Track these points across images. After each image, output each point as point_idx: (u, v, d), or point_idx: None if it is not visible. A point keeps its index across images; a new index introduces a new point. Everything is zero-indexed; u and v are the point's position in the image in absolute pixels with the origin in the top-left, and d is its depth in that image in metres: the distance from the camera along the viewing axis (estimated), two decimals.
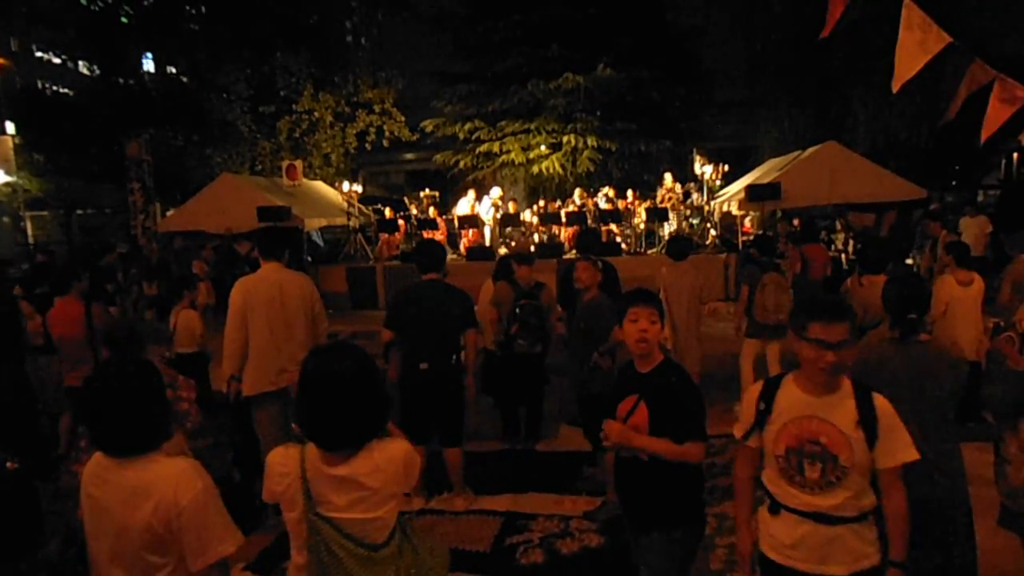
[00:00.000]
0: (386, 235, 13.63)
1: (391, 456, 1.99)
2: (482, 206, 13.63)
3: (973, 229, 11.25)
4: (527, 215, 13.79)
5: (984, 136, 3.79)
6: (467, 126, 18.94)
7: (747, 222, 13.06)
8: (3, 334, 5.12)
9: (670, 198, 13.21)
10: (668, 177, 13.70)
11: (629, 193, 13.70)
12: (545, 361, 5.55)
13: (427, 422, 4.43)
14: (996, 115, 3.72)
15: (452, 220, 13.68)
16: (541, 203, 14.73)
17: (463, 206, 13.82)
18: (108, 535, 1.88)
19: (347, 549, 1.93)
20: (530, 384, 5.54)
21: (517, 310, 5.21)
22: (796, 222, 11.54)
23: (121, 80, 17.38)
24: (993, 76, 3.71)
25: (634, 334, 2.57)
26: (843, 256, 12.70)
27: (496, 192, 14.05)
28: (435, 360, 4.38)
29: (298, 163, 14.73)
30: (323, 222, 14.54)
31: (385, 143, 19.56)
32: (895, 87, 3.74)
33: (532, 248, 11.77)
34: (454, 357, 4.46)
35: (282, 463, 1.99)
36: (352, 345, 2.07)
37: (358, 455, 1.96)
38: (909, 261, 10.87)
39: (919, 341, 2.74)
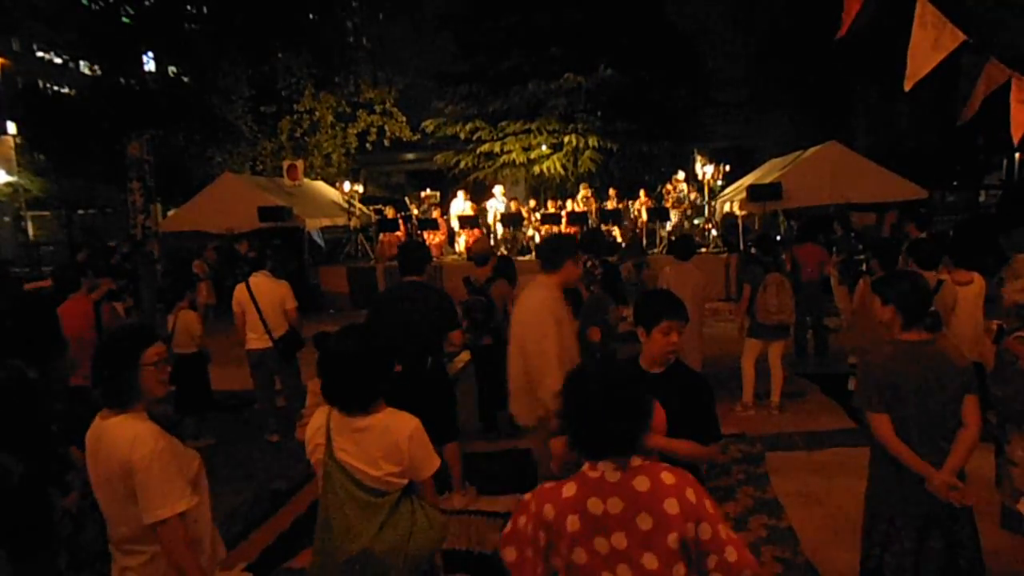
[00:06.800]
0: (387, 235, 13.63)
1: (403, 422, 2.33)
2: (489, 207, 13.71)
3: None
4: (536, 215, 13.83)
5: (1016, 138, 3.69)
6: (468, 126, 18.93)
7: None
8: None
9: (669, 191, 13.25)
10: (680, 174, 13.78)
11: (642, 193, 13.72)
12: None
13: None
14: (1019, 116, 3.62)
15: (453, 220, 13.71)
16: (532, 203, 14.78)
17: (455, 207, 13.86)
18: (102, 486, 2.17)
19: (349, 492, 2.24)
20: (489, 375, 5.58)
21: (464, 306, 5.25)
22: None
23: (122, 80, 17.36)
24: (1009, 75, 3.64)
25: (665, 346, 2.56)
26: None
27: (499, 190, 14.10)
28: (410, 362, 4.36)
29: (299, 163, 14.73)
30: (324, 222, 14.54)
31: (386, 143, 19.55)
32: (907, 85, 3.64)
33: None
34: (431, 359, 4.39)
35: (317, 419, 2.38)
36: (356, 327, 2.46)
37: (375, 414, 2.30)
38: None
39: (929, 341, 2.69)
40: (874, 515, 2.80)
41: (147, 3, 17.52)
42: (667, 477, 1.71)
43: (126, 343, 2.19)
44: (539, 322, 3.37)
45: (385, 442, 2.27)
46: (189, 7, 18.39)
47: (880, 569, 2.74)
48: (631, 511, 1.68)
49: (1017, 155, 18.95)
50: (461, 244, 13.41)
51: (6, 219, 26.98)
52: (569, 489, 1.75)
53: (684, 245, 6.23)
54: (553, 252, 3.58)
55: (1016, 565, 3.44)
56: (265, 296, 5.75)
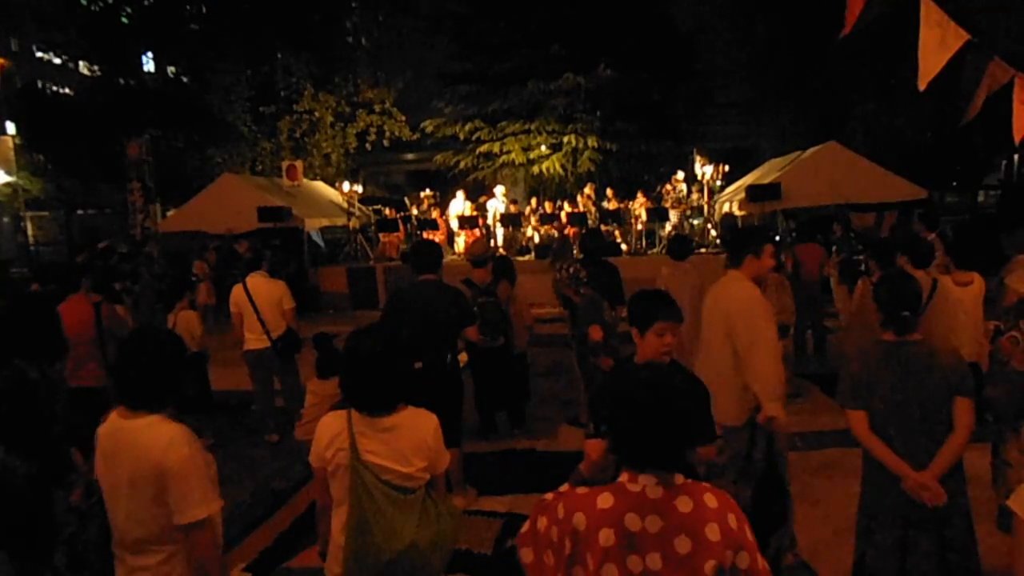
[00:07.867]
0: (386, 235, 13.63)
1: (427, 421, 2.40)
2: (490, 207, 13.72)
3: None
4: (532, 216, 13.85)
5: (1017, 137, 3.68)
6: (467, 126, 18.94)
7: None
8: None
9: (669, 191, 13.26)
10: (680, 174, 13.79)
11: (639, 194, 13.72)
12: (513, 352, 5.70)
13: None
14: (1022, 116, 3.61)
15: (452, 220, 13.72)
16: (534, 203, 14.77)
17: (455, 207, 13.87)
18: (121, 488, 2.13)
19: (382, 491, 2.28)
20: (503, 375, 5.65)
21: (476, 308, 5.27)
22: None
23: (121, 80, 17.36)
24: (1012, 75, 3.62)
25: (659, 347, 2.58)
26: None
27: (500, 190, 14.10)
28: (429, 359, 4.36)
29: (298, 163, 14.72)
30: (323, 222, 14.55)
31: (385, 143, 19.53)
32: (921, 85, 3.62)
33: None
34: (449, 356, 4.42)
35: (332, 424, 2.35)
36: (375, 327, 2.47)
37: (400, 412, 2.34)
38: None
39: (911, 342, 2.72)
40: (859, 511, 2.88)
41: (147, 3, 17.51)
42: (710, 499, 1.62)
43: (175, 345, 2.24)
44: (754, 312, 3.33)
45: (415, 438, 2.34)
46: (189, 7, 18.38)
47: (862, 562, 2.78)
48: (670, 532, 1.58)
49: (1017, 155, 18.93)
50: (460, 244, 13.42)
51: (5, 219, 26.94)
52: (605, 500, 1.62)
53: (680, 245, 6.23)
54: (734, 248, 3.69)
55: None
56: (262, 296, 5.75)
